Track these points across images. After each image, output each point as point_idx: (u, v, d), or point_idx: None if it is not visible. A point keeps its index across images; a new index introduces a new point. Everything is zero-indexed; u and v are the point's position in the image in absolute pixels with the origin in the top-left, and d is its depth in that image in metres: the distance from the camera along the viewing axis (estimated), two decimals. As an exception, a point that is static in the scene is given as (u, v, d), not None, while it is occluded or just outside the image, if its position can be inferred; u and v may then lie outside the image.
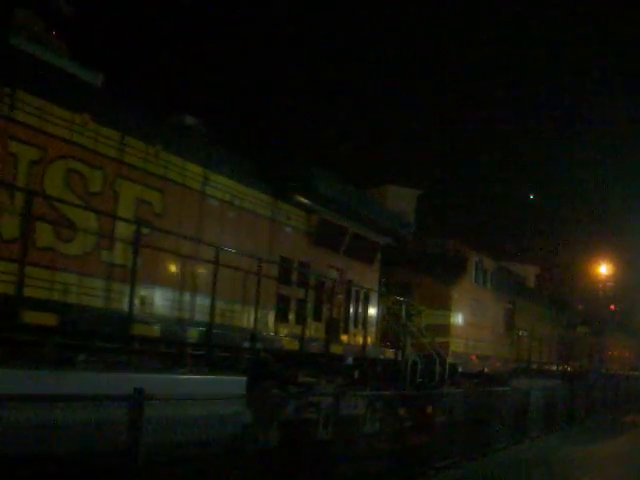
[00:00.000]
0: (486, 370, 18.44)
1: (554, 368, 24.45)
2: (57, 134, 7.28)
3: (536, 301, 23.69)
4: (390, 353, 13.81)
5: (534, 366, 22.21)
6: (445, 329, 16.41)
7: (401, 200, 14.93)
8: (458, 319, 16.92)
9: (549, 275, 43.72)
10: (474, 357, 17.82)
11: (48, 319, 6.73)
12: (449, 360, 16.03)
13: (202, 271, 9.08)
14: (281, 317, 10.93)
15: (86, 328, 7.26)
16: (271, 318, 10.69)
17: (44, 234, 7.04)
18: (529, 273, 23.94)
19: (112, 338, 7.54)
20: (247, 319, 9.92)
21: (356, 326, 13.11)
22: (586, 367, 27.64)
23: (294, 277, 11.26)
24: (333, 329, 12.11)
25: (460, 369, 16.85)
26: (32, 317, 6.55)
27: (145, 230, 8.12)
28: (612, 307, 47.22)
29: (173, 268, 8.68)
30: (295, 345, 10.77)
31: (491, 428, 15.21)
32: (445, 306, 16.51)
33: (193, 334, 8.69)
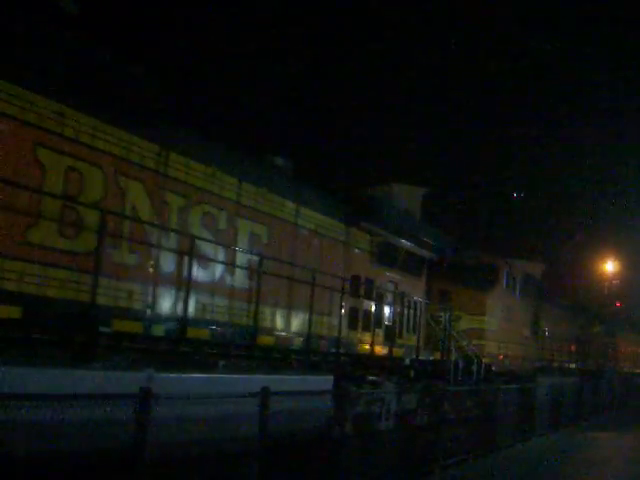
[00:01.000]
0: (514, 369, 20.06)
1: (572, 366, 26.04)
2: (195, 184, 8.95)
3: (556, 304, 25.27)
4: (437, 355, 15.45)
5: (555, 365, 23.82)
6: (481, 333, 18.01)
7: (407, 198, 14.83)
8: (492, 323, 18.52)
9: (559, 275, 42.99)
10: (505, 357, 19.43)
11: (203, 333, 8.42)
12: (484, 360, 17.66)
13: (299, 290, 10.74)
14: (352, 325, 12.57)
15: (224, 340, 8.94)
16: (345, 326, 12.33)
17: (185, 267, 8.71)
18: (535, 270, 24.01)
19: (241, 347, 9.23)
20: (328, 328, 11.57)
21: (408, 331, 14.75)
22: (601, 365, 29.17)
23: (362, 291, 12.91)
24: (392, 334, 13.76)
25: (493, 368, 18.45)
26: (192, 333, 8.24)
27: (255, 258, 9.78)
28: (618, 304, 46.74)
29: (279, 289, 10.33)
30: (361, 348, 12.45)
31: (532, 417, 17.02)
32: (480, 312, 18.09)
33: (297, 342, 10.38)
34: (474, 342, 17.59)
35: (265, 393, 7.72)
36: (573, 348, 26.39)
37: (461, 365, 16.21)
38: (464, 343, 17.04)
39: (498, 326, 18.91)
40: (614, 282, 46.41)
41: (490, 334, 18.48)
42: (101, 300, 7.21)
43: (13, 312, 6.31)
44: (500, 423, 15.25)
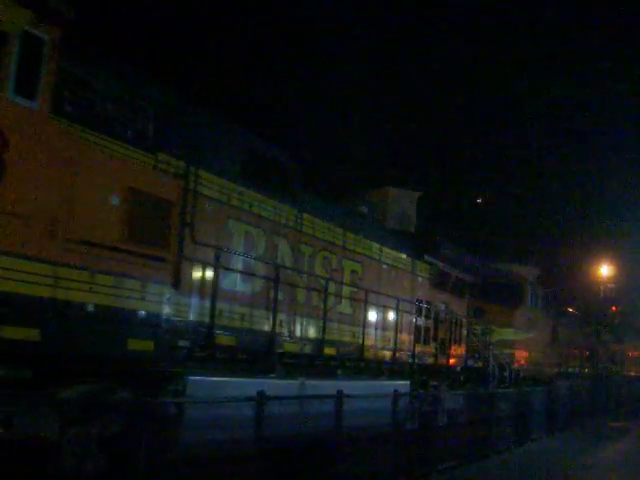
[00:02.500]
0: (537, 374, 22.68)
1: (585, 371, 28.65)
2: (318, 236, 11.52)
3: (569, 315, 27.89)
4: (479, 363, 18.06)
5: (570, 370, 26.43)
6: (510, 343, 20.60)
7: (402, 202, 15.38)
8: (518, 335, 21.12)
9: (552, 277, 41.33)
10: (530, 364, 22.04)
11: (332, 351, 11.03)
12: (514, 367, 20.28)
13: (383, 314, 13.32)
14: (417, 339, 15.14)
15: (342, 355, 11.56)
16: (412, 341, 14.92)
17: (317, 298, 11.28)
18: (529, 274, 24.58)
19: (353, 360, 11.84)
20: (400, 343, 14.16)
21: (456, 343, 17.32)
22: (610, 370, 31.76)
23: (422, 312, 15.48)
24: (445, 347, 16.35)
25: (521, 374, 21.06)
26: (327, 351, 10.85)
27: (354, 289, 12.37)
28: (613, 308, 47.06)
29: (369, 313, 12.90)
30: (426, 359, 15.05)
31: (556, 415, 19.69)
32: (509, 325, 20.69)
33: (386, 355, 12.99)
34: (505, 351, 20.18)
35: (339, 396, 9.80)
36: (585, 355, 28.96)
37: (497, 371, 18.82)
38: (497, 352, 19.60)
39: (523, 337, 21.49)
40: (609, 286, 46.14)
41: (517, 344, 21.06)
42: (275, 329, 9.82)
43: (231, 340, 8.90)
44: (531, 419, 17.85)
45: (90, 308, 6.73)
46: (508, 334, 20.66)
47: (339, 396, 9.42)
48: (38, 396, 6.68)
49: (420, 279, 15.45)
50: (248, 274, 9.48)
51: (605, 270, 45.91)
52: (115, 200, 7.01)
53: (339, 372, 11.52)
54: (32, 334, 6.19)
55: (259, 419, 7.87)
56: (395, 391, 10.03)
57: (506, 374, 19.57)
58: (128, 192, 7.14)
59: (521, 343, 21.33)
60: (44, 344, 6.29)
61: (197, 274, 8.41)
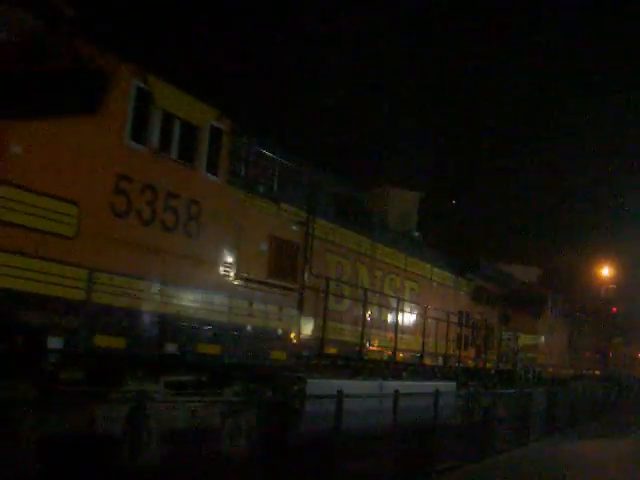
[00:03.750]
0: (557, 376, 24.69)
1: (597, 373, 30.64)
2: (386, 261, 13.54)
3: (585, 322, 29.86)
4: (508, 365, 20.08)
5: (584, 372, 28.43)
6: (534, 348, 22.60)
7: (403, 202, 14.97)
8: (540, 340, 23.12)
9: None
10: (550, 367, 24.05)
11: (401, 357, 13.07)
12: (537, 370, 22.29)
13: (435, 325, 15.33)
14: (459, 346, 17.16)
15: (406, 360, 13.60)
16: (456, 347, 16.95)
17: (387, 314, 13.30)
18: (531, 275, 24.91)
19: (412, 365, 13.90)
20: (447, 349, 16.18)
21: (489, 348, 19.34)
22: (621, 372, 33.72)
23: (463, 321, 17.50)
24: (480, 352, 18.37)
25: (542, 375, 23.07)
26: (399, 357, 12.89)
27: (413, 305, 14.40)
28: (614, 309, 45.23)
29: (426, 325, 14.93)
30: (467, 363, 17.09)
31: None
32: (533, 331, 22.68)
33: (438, 360, 15.03)
34: (529, 355, 22.18)
35: (396, 394, 11.73)
36: (597, 357, 30.94)
37: (523, 373, 20.85)
38: (522, 356, 21.61)
39: (546, 343, 23.50)
40: (610, 287, 45.32)
41: (539, 348, 23.07)
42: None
43: (334, 350, 10.95)
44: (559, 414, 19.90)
45: (249, 329, 8.77)
46: (531, 340, 22.62)
47: (396, 394, 11.43)
48: (210, 394, 8.68)
49: (462, 293, 17.48)
50: (345, 297, 11.52)
51: (606, 271, 45.45)
52: (263, 246, 9.06)
53: (404, 375, 13.53)
54: (215, 349, 8.23)
55: (339, 412, 9.59)
56: (396, 391, 11.14)
57: (530, 375, 21.59)
58: (271, 239, 9.19)
59: (542, 347, 23.31)
60: (222, 356, 8.34)
61: (313, 299, 10.44)
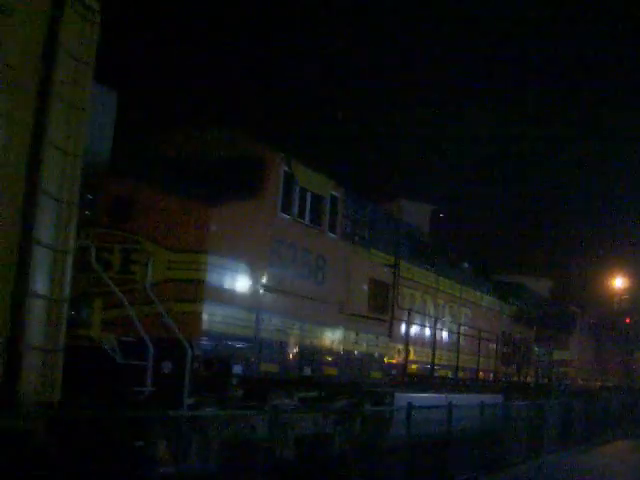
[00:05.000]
0: (586, 388, 26.32)
1: (622, 384, 32.15)
2: (446, 291, 15.37)
3: (609, 335, 31.44)
4: (545, 379, 21.81)
5: (610, 384, 30.00)
6: (566, 363, 24.27)
7: (416, 215, 14.74)
8: (573, 355, 24.80)
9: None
10: (579, 380, 25.71)
11: (461, 374, 14.88)
12: (568, 382, 23.98)
13: (486, 345, 17.14)
14: (503, 363, 18.93)
15: (465, 377, 15.41)
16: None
17: (448, 337, 15.11)
18: (543, 286, 24.88)
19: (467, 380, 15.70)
20: (495, 366, 17.96)
21: (527, 364, 21.09)
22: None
23: (506, 341, 19.28)
24: (521, 367, 20.14)
25: (572, 388, 24.75)
26: (461, 374, 14.70)
27: (467, 328, 16.21)
28: (627, 320, 43.00)
29: (479, 346, 16.72)
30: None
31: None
32: (565, 347, 24.36)
33: (488, 376, 16.82)
34: (561, 369, 23.88)
35: (450, 405, 13.59)
36: (621, 369, 32.47)
37: (557, 386, 22.55)
38: (556, 370, 23.32)
39: (575, 356, 25.18)
40: (623, 297, 43.80)
41: (572, 363, 24.75)
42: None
43: (413, 369, 12.80)
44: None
45: (356, 354, 10.66)
46: (563, 355, 24.30)
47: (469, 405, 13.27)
48: (319, 407, 10.55)
49: (504, 315, 19.28)
50: (419, 325, 13.41)
51: (619, 282, 44.27)
52: (365, 287, 10.96)
53: (463, 389, 15.35)
54: (334, 371, 10.13)
55: (409, 421, 11.41)
56: (450, 403, 12.91)
57: (562, 388, 23.28)
58: (370, 280, 11.09)
59: (573, 362, 24.98)
60: (338, 376, 10.23)
61: (399, 328, 12.33)
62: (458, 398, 13.98)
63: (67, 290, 6.08)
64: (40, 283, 5.83)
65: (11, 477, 5.73)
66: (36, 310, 5.79)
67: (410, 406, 11.53)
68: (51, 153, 5.94)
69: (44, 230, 5.87)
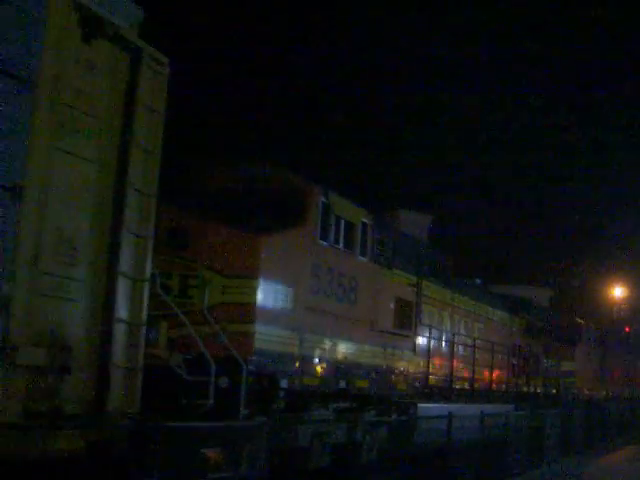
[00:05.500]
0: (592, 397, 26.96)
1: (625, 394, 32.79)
2: (461, 307, 16.05)
3: (614, 347, 32.08)
4: (553, 390, 22.46)
5: (614, 393, 30.65)
6: (573, 374, 24.92)
7: (414, 225, 14.57)
8: (579, 366, 25.44)
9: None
10: (585, 390, 26.34)
11: (477, 386, 15.54)
12: (575, 392, 24.62)
13: (499, 358, 17.80)
14: (514, 374, 19.58)
15: (480, 388, 16.05)
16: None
17: (464, 350, 15.77)
18: (543, 296, 24.96)
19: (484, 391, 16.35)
20: (507, 378, 18.60)
21: (536, 375, 21.74)
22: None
23: (517, 353, 19.94)
24: (530, 378, 20.79)
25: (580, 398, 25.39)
26: (477, 385, 15.36)
27: (481, 342, 16.87)
28: (627, 329, 43.16)
29: (492, 358, 17.38)
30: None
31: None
32: (571, 359, 25.01)
33: (502, 388, 17.47)
34: (567, 380, 24.52)
35: (482, 415, 14.37)
36: (625, 379, 33.05)
37: (565, 396, 23.20)
38: (563, 381, 23.97)
39: (581, 367, 25.82)
40: (623, 307, 44.38)
41: (577, 373, 25.39)
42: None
43: (433, 381, 13.45)
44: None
45: (384, 367, 11.35)
46: (570, 366, 24.95)
47: (480, 415, 13.93)
48: (352, 416, 11.21)
49: (514, 329, 19.96)
50: (438, 339, 14.10)
51: (618, 291, 44.77)
52: (391, 305, 11.66)
53: (478, 399, 16.01)
54: (365, 383, 10.81)
55: (411, 428, 12.18)
56: (482, 412, 13.80)
57: (569, 398, 23.93)
58: (395, 299, 11.79)
59: (579, 372, 25.62)
60: (369, 388, 10.91)
61: (421, 343, 13.02)
62: (474, 408, 14.66)
63: (144, 314, 6.79)
64: (123, 309, 6.53)
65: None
66: (120, 333, 6.49)
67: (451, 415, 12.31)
68: (132, 194, 6.66)
69: (126, 262, 6.58)
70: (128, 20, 6.96)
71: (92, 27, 6.40)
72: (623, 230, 46.28)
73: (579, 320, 26.60)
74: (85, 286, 6.25)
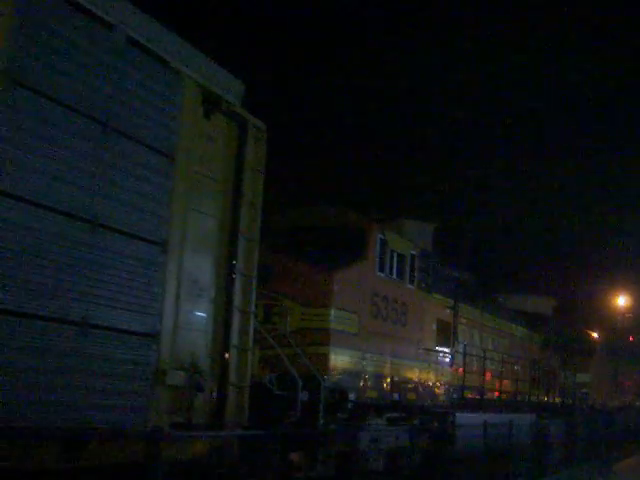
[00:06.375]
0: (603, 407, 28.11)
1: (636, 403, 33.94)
2: (487, 324, 17.30)
3: (625, 358, 33.27)
4: (570, 400, 23.65)
5: (626, 402, 31.80)
6: (587, 384, 26.11)
7: (418, 234, 14.26)
8: (593, 378, 26.64)
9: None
10: (600, 400, 27.51)
11: (504, 397, 16.79)
12: (590, 403, 25.82)
13: (522, 371, 19.01)
14: (533, 385, 20.78)
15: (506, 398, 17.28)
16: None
17: (491, 365, 17.01)
18: (546, 306, 24.61)
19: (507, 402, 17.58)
20: (528, 389, 19.80)
21: (554, 386, 22.94)
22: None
23: (536, 366, 21.15)
24: (548, 389, 21.99)
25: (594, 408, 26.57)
26: (504, 396, 16.60)
27: (505, 356, 18.10)
28: (631, 338, 44.04)
29: (516, 371, 18.59)
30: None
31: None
32: (586, 370, 26.20)
33: (525, 398, 18.71)
34: (583, 390, 25.71)
35: (510, 423, 15.58)
36: (634, 389, 34.22)
37: (580, 406, 24.39)
38: (578, 392, 25.16)
39: (595, 379, 27.02)
40: (627, 316, 43.88)
41: (592, 384, 26.59)
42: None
43: (467, 394, 14.72)
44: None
45: (429, 382, 12.61)
46: (585, 377, 26.14)
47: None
48: (401, 425, 12.46)
49: (534, 344, 21.20)
50: (472, 355, 15.37)
51: (622, 300, 44.20)
52: (433, 326, 12.94)
53: (505, 409, 17.24)
54: (413, 396, 12.08)
55: (451, 435, 13.41)
56: (510, 421, 15.13)
57: (584, 407, 25.12)
58: (437, 320, 13.06)
59: (593, 384, 26.80)
60: (416, 400, 12.17)
61: (457, 359, 14.28)
62: (503, 417, 15.88)
63: (251, 341, 8.09)
64: (235, 337, 7.84)
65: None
66: (234, 357, 7.79)
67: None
68: (241, 242, 7.97)
69: (238, 298, 7.89)
70: (235, 94, 8.31)
71: (211, 104, 7.74)
72: (626, 239, 45.99)
73: (592, 334, 27.79)
74: (208, 319, 7.57)
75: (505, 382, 17.74)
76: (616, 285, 44.64)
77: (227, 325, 7.74)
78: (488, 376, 16.47)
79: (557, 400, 22.81)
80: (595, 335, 27.76)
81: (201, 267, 7.48)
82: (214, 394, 7.53)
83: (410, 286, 12.07)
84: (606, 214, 51.11)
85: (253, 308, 8.17)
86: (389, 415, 11.83)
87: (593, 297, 44.62)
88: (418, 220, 14.94)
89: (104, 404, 6.12)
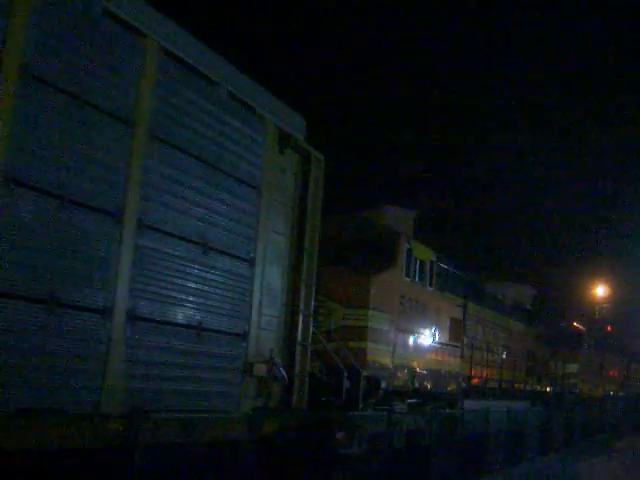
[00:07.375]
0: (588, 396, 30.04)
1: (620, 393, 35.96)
2: (490, 320, 19.02)
3: (611, 350, 35.17)
4: (558, 389, 25.51)
5: (611, 393, 33.82)
6: (575, 375, 27.99)
7: (399, 221, 14.21)
8: (580, 368, 28.52)
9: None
10: (587, 390, 29.43)
11: (505, 386, 18.57)
12: (577, 392, 27.72)
13: (519, 362, 20.78)
14: (528, 375, 22.60)
15: (505, 388, 19.06)
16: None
17: (492, 356, 18.76)
18: (526, 294, 24.99)
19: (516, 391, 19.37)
20: (524, 378, 21.61)
21: (545, 376, 24.77)
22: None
23: (529, 357, 22.96)
24: (540, 379, 23.83)
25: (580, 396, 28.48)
26: (504, 385, 18.39)
27: (505, 349, 19.86)
28: (609, 328, 44.38)
29: (514, 362, 20.37)
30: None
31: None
32: (574, 361, 28.04)
33: (522, 387, 20.51)
34: (570, 380, 27.58)
35: (509, 409, 17.47)
36: (620, 379, 36.24)
37: (568, 395, 26.28)
38: (567, 381, 27.03)
39: (582, 369, 28.90)
40: (604, 305, 44.60)
41: (579, 374, 28.46)
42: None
43: (474, 382, 16.46)
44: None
45: (442, 372, 14.31)
46: (573, 368, 28.00)
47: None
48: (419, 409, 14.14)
49: (529, 337, 23.00)
50: (478, 348, 17.10)
51: (601, 290, 44.95)
52: (447, 322, 14.62)
53: (504, 397, 19.03)
54: (430, 385, 13.77)
55: (459, 419, 15.19)
56: (510, 408, 17.15)
57: (572, 396, 27.00)
58: (450, 318, 14.74)
59: (581, 373, 28.69)
60: (433, 388, 13.86)
61: (465, 352, 16.00)
62: (502, 404, 17.67)
63: (310, 337, 9.71)
64: (299, 335, 9.45)
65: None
66: (298, 352, 9.42)
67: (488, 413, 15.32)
68: (305, 254, 9.57)
69: (302, 302, 9.51)
70: (300, 130, 9.86)
71: (285, 142, 9.31)
72: (605, 228, 49.46)
73: (580, 327, 29.66)
74: (280, 320, 9.19)
75: (505, 372, 19.51)
76: (594, 275, 45.54)
77: (294, 325, 9.36)
78: (490, 367, 18.21)
79: (549, 389, 24.63)
80: (582, 328, 29.63)
81: (275, 277, 9.08)
82: (285, 383, 9.13)
83: (429, 288, 13.72)
84: (588, 203, 55.65)
85: (313, 310, 9.79)
86: (410, 401, 13.50)
87: (572, 287, 45.76)
88: (400, 207, 14.99)
89: (212, 391, 7.74)
